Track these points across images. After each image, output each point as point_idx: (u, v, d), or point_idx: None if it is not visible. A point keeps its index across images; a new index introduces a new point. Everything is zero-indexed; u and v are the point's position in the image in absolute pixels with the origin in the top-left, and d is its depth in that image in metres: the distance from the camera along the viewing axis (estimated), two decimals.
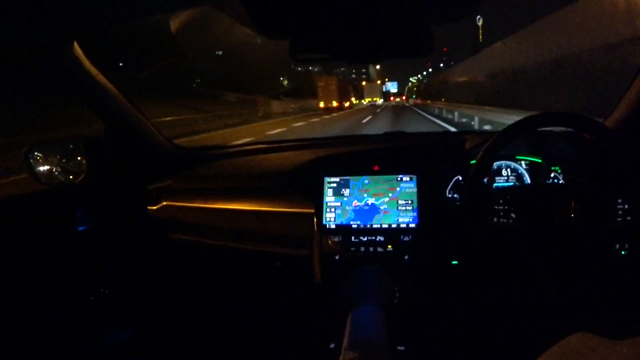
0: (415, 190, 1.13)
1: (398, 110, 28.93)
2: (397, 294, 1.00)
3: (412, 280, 1.16)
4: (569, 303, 1.02)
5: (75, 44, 1.00)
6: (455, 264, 1.11)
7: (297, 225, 1.23)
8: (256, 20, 0.91)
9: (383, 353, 0.62)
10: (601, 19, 8.93)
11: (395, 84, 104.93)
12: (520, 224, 0.93)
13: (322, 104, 37.09)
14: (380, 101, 58.14)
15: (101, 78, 1.10)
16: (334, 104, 37.14)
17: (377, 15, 0.83)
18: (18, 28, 0.85)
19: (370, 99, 57.14)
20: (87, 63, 1.05)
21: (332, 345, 1.05)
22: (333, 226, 1.15)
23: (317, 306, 1.22)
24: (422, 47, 0.85)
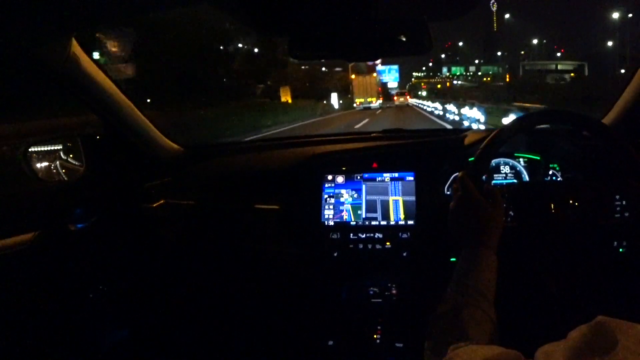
0: (413, 187, 1.14)
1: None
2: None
3: (411, 277, 1.17)
4: (568, 300, 1.02)
5: (74, 41, 1.00)
6: (453, 261, 1.11)
7: (296, 223, 1.23)
8: (255, 18, 0.91)
9: (484, 298, 0.64)
10: None
11: (394, 69, 56.96)
12: (519, 221, 0.93)
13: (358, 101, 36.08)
14: (377, 103, 35.85)
15: (100, 76, 1.09)
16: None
17: (375, 13, 0.83)
18: (16, 26, 0.85)
19: (362, 100, 35.78)
20: (85, 61, 1.04)
21: (330, 342, 1.06)
22: (331, 223, 1.15)
23: (316, 303, 1.22)
24: (420, 45, 0.86)
